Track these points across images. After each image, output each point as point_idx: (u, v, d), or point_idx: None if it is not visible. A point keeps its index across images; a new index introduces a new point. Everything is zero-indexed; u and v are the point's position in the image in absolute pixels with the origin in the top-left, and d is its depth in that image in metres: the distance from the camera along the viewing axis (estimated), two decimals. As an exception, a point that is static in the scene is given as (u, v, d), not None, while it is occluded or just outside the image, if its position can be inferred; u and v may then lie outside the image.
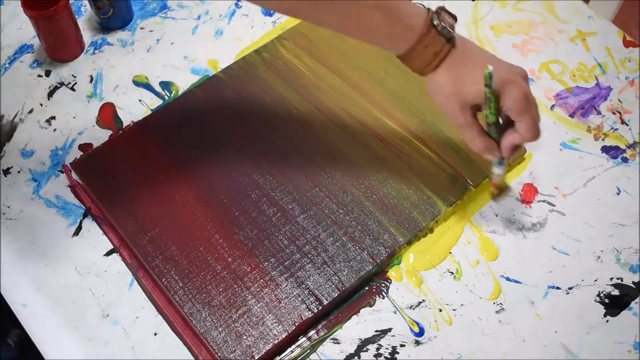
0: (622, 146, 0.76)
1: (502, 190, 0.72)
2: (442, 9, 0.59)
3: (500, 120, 0.63)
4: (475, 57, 0.60)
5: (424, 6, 0.59)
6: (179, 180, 0.71)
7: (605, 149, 0.76)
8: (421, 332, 0.65)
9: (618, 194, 0.73)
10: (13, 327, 0.84)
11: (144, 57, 0.83)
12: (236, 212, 0.69)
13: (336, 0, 0.56)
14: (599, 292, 0.67)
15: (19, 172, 0.74)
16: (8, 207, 0.71)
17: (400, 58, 0.60)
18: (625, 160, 0.75)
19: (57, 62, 0.82)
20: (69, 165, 0.74)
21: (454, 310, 0.66)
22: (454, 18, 0.59)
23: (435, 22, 0.57)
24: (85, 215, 0.71)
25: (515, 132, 0.61)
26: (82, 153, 0.75)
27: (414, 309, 0.66)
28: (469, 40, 0.61)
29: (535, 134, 0.60)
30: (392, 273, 0.68)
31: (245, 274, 0.66)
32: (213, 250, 0.67)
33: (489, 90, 0.58)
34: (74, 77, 0.81)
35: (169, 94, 0.79)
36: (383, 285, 0.67)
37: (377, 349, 0.64)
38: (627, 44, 0.84)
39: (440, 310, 0.66)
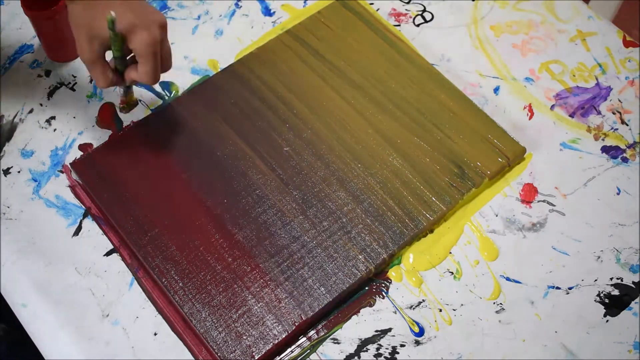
0: (622, 146, 0.76)
1: (130, 105, 0.72)
2: None
3: (129, 58, 0.65)
4: None
5: None
6: (179, 180, 0.71)
7: (605, 149, 0.76)
8: (421, 332, 0.65)
9: (618, 194, 0.73)
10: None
11: (144, 57, 0.83)
12: (236, 212, 0.69)
13: None
14: (599, 292, 0.67)
15: (19, 172, 0.74)
16: (8, 207, 0.71)
17: None
18: (625, 160, 0.75)
19: (57, 62, 0.82)
20: (69, 165, 0.74)
21: (454, 310, 0.66)
22: None
23: None
24: (85, 215, 0.71)
25: (136, 70, 0.64)
26: (82, 153, 0.75)
27: (414, 309, 0.66)
28: None
29: (150, 78, 0.63)
30: (392, 273, 0.68)
31: (245, 274, 0.66)
32: (213, 250, 0.67)
33: (112, 33, 0.60)
34: (74, 77, 0.81)
35: (169, 94, 0.79)
36: (383, 285, 0.67)
37: (377, 349, 0.64)
38: (627, 44, 0.84)
39: (440, 310, 0.66)
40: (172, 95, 0.79)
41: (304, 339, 0.65)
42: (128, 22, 0.60)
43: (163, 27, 0.63)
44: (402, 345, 0.64)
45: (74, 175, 0.73)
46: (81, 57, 0.63)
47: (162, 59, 0.64)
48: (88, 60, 0.63)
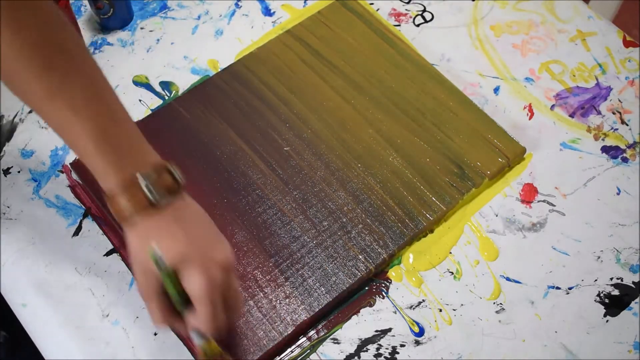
0: (622, 146, 0.76)
1: (211, 355, 0.56)
2: (164, 168, 0.53)
3: None
4: (175, 236, 0.52)
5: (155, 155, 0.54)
6: (179, 180, 0.71)
7: (605, 149, 0.76)
8: (421, 332, 0.65)
9: (618, 194, 0.73)
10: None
11: (144, 57, 0.83)
12: (236, 212, 0.69)
13: (56, 112, 0.50)
14: (599, 292, 0.67)
15: (19, 172, 0.74)
16: (8, 207, 0.71)
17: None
18: (625, 160, 0.75)
19: None
20: (69, 165, 0.74)
21: (454, 310, 0.66)
22: (177, 182, 0.53)
23: (142, 185, 0.51)
24: (85, 215, 0.71)
25: (195, 317, 0.53)
26: (82, 153, 0.75)
27: (414, 309, 0.66)
28: (189, 204, 0.55)
29: (208, 327, 0.53)
30: (392, 273, 0.68)
31: (245, 274, 0.66)
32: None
33: (160, 272, 0.51)
34: (74, 77, 0.81)
35: (169, 94, 0.79)
36: (383, 285, 0.67)
37: (377, 349, 0.64)
38: (627, 44, 0.84)
39: (440, 310, 0.66)
40: (172, 95, 0.79)
41: (304, 339, 0.65)
42: (179, 257, 0.51)
43: (226, 268, 0.53)
44: (402, 345, 0.64)
45: (74, 175, 0.73)
46: (138, 290, 0.55)
47: (226, 306, 0.54)
48: (142, 295, 0.55)
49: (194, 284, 0.51)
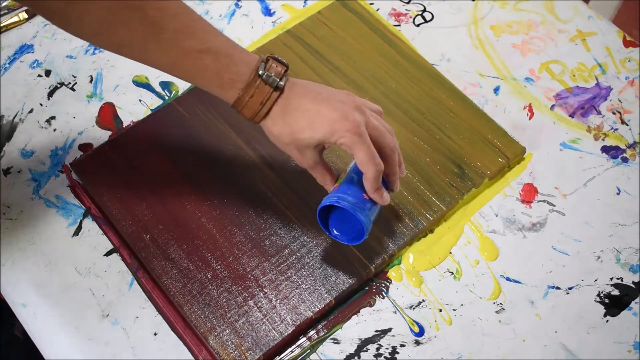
0: (622, 146, 0.76)
1: None
2: (272, 57, 0.59)
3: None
4: (302, 102, 0.58)
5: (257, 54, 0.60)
6: (179, 180, 0.71)
7: (605, 149, 0.76)
8: (421, 332, 0.65)
9: (618, 194, 0.73)
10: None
11: (144, 57, 0.82)
12: (236, 212, 0.69)
13: (165, 42, 0.55)
14: (599, 292, 0.67)
15: (19, 172, 0.74)
16: (8, 207, 0.71)
17: (233, 107, 0.59)
18: (625, 160, 0.75)
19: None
20: (69, 165, 0.74)
21: (454, 310, 0.66)
22: (284, 65, 0.59)
23: (260, 72, 0.57)
24: (85, 215, 0.71)
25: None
26: (82, 153, 0.75)
27: (414, 309, 0.66)
28: (300, 82, 0.60)
29: (367, 167, 0.58)
30: (392, 273, 0.68)
31: (245, 274, 0.66)
32: (213, 250, 0.67)
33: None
34: (74, 77, 0.81)
35: (169, 94, 0.79)
36: (383, 285, 0.67)
37: (377, 349, 0.64)
38: (627, 44, 0.84)
39: (440, 310, 0.66)
40: (172, 95, 0.79)
41: (304, 339, 0.65)
42: (326, 129, 0.57)
43: (359, 108, 0.59)
44: (402, 345, 0.64)
45: (74, 175, 0.73)
46: (301, 165, 0.62)
47: (373, 140, 0.58)
48: (308, 168, 0.62)
49: (341, 135, 0.57)
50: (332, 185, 0.62)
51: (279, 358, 0.63)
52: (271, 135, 0.60)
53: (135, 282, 0.67)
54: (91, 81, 0.80)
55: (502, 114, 0.78)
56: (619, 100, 0.80)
